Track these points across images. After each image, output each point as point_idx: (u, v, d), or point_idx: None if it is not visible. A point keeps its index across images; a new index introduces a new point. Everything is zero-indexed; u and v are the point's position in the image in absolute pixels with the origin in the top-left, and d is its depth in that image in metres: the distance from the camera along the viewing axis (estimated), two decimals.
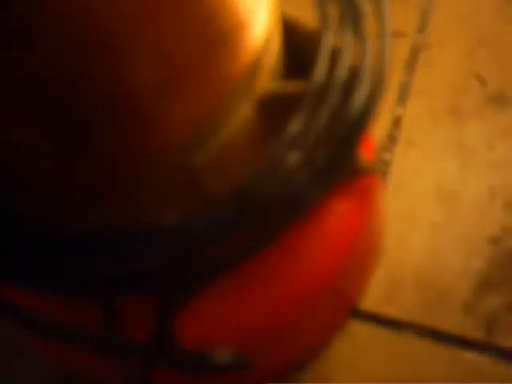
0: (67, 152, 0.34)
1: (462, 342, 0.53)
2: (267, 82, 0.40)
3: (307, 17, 0.47)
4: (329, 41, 0.40)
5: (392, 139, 0.63)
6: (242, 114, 0.39)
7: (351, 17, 0.43)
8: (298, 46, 0.44)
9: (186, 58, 0.34)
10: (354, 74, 0.39)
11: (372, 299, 0.56)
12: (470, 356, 0.52)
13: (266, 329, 0.42)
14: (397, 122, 0.64)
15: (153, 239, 0.35)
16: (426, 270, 0.57)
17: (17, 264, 0.35)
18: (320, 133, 0.36)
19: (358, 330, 0.55)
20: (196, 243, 0.35)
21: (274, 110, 0.40)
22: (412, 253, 0.57)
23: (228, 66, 0.36)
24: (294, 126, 0.37)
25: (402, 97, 0.66)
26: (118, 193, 0.37)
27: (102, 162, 0.35)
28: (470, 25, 0.69)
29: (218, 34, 0.35)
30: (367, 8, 0.44)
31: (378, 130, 0.63)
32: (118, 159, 0.36)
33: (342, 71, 0.39)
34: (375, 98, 0.38)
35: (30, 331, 0.43)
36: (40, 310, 0.38)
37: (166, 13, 0.31)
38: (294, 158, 0.35)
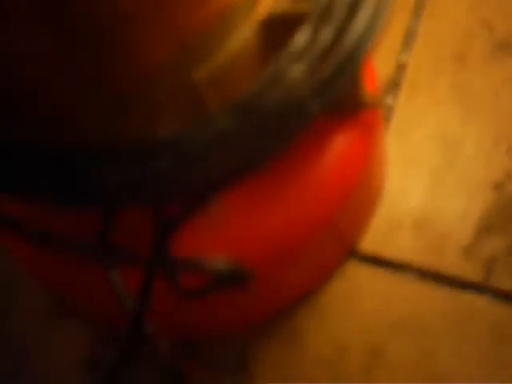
0: (72, 65, 0.34)
1: (461, 284, 0.53)
2: (270, 2, 0.39)
3: None
4: None
5: (395, 84, 0.62)
6: (244, 32, 0.38)
7: None
8: None
9: None
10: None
11: (371, 241, 0.55)
12: (468, 297, 0.52)
13: (264, 253, 0.42)
14: (401, 68, 0.63)
15: (152, 151, 0.34)
16: (425, 214, 0.56)
17: (25, 174, 0.34)
18: (324, 48, 0.36)
19: (356, 271, 0.55)
20: (196, 154, 0.34)
21: (277, 29, 0.39)
22: (412, 196, 0.57)
23: None
24: (298, 39, 0.36)
25: (408, 43, 0.64)
26: (119, 109, 0.36)
27: (103, 78, 0.35)
28: None
29: None
30: None
31: (381, 75, 0.63)
32: (119, 75, 0.35)
33: None
34: (380, 17, 0.37)
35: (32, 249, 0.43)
36: (39, 224, 0.38)
37: None
38: (297, 70, 0.34)
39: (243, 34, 0.39)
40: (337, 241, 0.52)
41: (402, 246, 0.55)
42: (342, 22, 0.37)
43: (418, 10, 0.66)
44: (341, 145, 0.49)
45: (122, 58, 0.34)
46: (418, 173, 0.58)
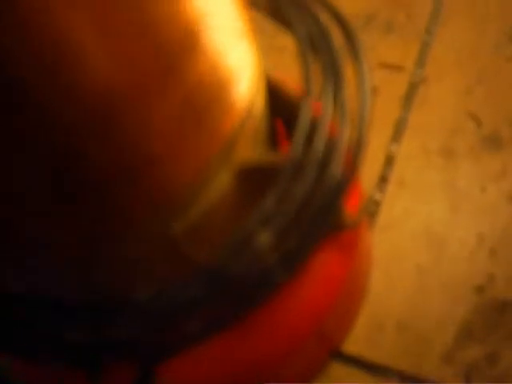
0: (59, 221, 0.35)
1: None
2: (248, 150, 0.41)
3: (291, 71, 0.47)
4: (307, 113, 0.41)
5: (383, 179, 0.63)
6: (221, 182, 0.40)
7: (333, 81, 0.43)
8: (281, 110, 0.45)
9: (166, 136, 0.34)
10: (331, 149, 0.39)
11: (354, 342, 0.57)
12: None
13: (247, 374, 0.43)
14: (390, 161, 0.64)
15: (129, 312, 0.36)
16: (409, 314, 0.57)
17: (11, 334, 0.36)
18: (292, 211, 0.37)
19: (339, 373, 0.56)
20: (168, 317, 0.36)
21: (253, 179, 0.41)
22: (396, 295, 0.58)
23: (207, 139, 0.37)
24: (267, 202, 0.37)
25: (397, 134, 0.66)
26: (99, 262, 0.38)
27: (85, 232, 0.36)
28: (470, 60, 0.68)
29: (198, 109, 0.35)
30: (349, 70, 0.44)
31: (370, 168, 0.64)
32: (100, 230, 0.37)
33: (319, 146, 0.39)
34: (350, 174, 0.39)
35: None
36: (27, 375, 0.40)
37: (148, 96, 0.31)
38: (264, 237, 0.36)
39: (220, 183, 0.40)
40: (320, 348, 0.53)
41: (384, 348, 0.56)
42: (312, 180, 0.39)
43: (407, 101, 0.67)
44: (323, 262, 0.50)
45: (100, 217, 0.36)
46: (402, 272, 0.59)
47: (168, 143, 0.35)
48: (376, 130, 0.67)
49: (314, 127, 0.40)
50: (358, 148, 0.40)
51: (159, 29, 0.30)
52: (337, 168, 0.38)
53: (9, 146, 0.29)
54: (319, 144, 0.39)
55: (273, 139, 0.45)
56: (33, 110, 0.28)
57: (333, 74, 0.43)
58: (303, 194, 0.37)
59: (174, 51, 0.32)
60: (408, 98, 0.67)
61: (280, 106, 0.45)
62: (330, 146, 0.39)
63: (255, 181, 0.41)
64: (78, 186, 0.33)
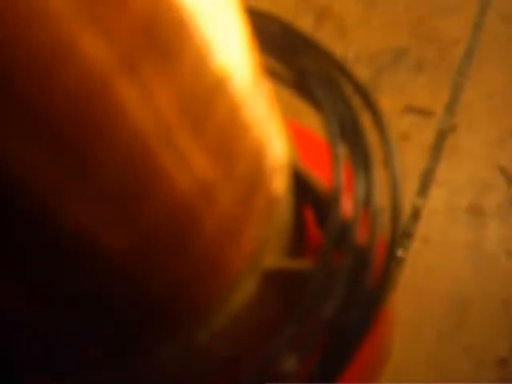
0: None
1: None
2: (273, 256, 0.39)
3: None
4: (338, 216, 0.39)
5: (408, 235, 0.62)
6: (246, 289, 0.38)
7: (364, 175, 0.41)
8: (308, 196, 0.43)
9: (204, 258, 0.33)
10: (362, 258, 0.38)
11: None
12: None
13: None
14: (415, 215, 0.62)
15: None
16: (428, 379, 0.56)
17: None
18: (320, 332, 0.36)
19: None
20: None
21: (279, 285, 0.39)
22: (415, 365, 0.57)
23: (237, 252, 0.36)
24: (292, 325, 0.36)
25: (424, 186, 0.64)
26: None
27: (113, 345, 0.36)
28: (503, 108, 0.66)
29: (232, 228, 0.34)
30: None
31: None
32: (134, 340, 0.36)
33: (349, 256, 0.37)
34: (383, 286, 0.37)
35: None
36: None
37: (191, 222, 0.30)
38: (290, 364, 0.34)
39: (244, 290, 0.39)
40: None
41: None
42: (342, 295, 0.37)
43: (435, 150, 0.65)
44: None
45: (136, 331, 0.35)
46: (424, 336, 0.58)
47: (205, 263, 0.34)
48: (403, 180, 0.65)
49: (344, 229, 0.38)
50: (390, 256, 0.38)
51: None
52: (368, 280, 0.36)
53: None
54: (349, 254, 0.37)
55: (300, 228, 0.44)
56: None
57: (363, 167, 0.41)
58: (332, 311, 0.36)
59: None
60: (437, 147, 0.65)
61: (306, 192, 0.43)
62: (361, 256, 0.37)
63: (281, 285, 0.39)
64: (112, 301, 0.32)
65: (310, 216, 0.45)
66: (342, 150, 0.41)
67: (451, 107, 0.66)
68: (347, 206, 0.40)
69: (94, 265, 0.27)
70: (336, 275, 0.37)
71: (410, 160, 0.64)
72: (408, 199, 0.63)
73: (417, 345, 0.57)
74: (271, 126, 0.36)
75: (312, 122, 0.46)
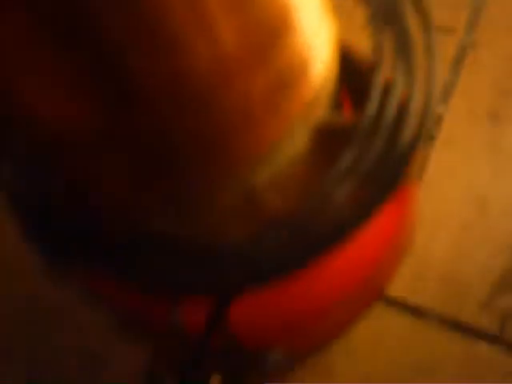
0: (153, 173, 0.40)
1: (476, 334, 0.59)
2: (323, 112, 0.45)
3: (361, 40, 0.50)
4: (381, 77, 0.44)
5: (431, 138, 0.67)
6: (298, 141, 0.44)
7: (403, 50, 0.46)
8: (352, 75, 0.48)
9: (260, 102, 0.38)
10: (402, 112, 0.43)
11: (398, 288, 0.62)
12: (482, 347, 0.59)
13: (301, 318, 0.49)
14: (437, 121, 0.68)
15: (220, 257, 0.41)
16: (450, 265, 0.62)
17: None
18: (367, 169, 0.41)
19: (383, 314, 0.61)
20: (253, 264, 0.41)
21: (328, 139, 0.45)
22: (438, 250, 0.63)
23: (291, 104, 0.41)
24: (344, 161, 0.42)
25: (445, 95, 0.69)
26: (187, 209, 0.43)
27: (176, 183, 0.41)
28: None
29: (288, 79, 0.39)
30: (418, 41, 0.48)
31: None
32: (193, 190, 0.42)
33: (392, 109, 0.43)
34: (420, 136, 0.43)
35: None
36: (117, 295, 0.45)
37: (250, 68, 0.35)
38: (341, 194, 0.40)
39: (297, 142, 0.45)
40: (368, 292, 0.59)
41: (426, 295, 0.62)
42: (385, 140, 0.43)
43: (457, 63, 0.70)
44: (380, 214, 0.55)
45: (198, 175, 0.41)
46: (445, 227, 0.64)
47: (261, 108, 0.39)
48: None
49: (386, 91, 0.44)
50: (426, 113, 0.43)
51: (260, 5, 0.34)
52: (408, 131, 0.42)
53: None
54: (392, 106, 0.43)
55: (338, 105, 0.49)
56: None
57: (403, 41, 0.46)
58: (377, 152, 0.42)
59: (273, 27, 0.36)
60: (458, 61, 0.70)
61: (346, 72, 0.48)
62: (402, 110, 0.43)
63: (330, 141, 0.45)
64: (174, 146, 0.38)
65: (345, 96, 0.50)
66: (385, 36, 0.46)
67: (472, 24, 0.71)
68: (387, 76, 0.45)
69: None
70: (379, 126, 0.43)
71: None
72: None
73: (438, 234, 0.63)
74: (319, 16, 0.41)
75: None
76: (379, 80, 0.44)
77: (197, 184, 0.41)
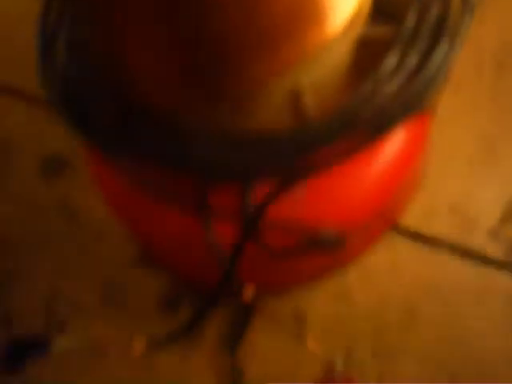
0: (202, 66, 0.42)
1: (485, 260, 0.63)
2: (361, 24, 0.48)
3: None
4: None
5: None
6: (340, 51, 0.47)
7: None
8: None
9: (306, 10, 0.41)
10: (440, 23, 0.46)
11: (411, 219, 0.65)
12: (491, 273, 0.62)
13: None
14: None
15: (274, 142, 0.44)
16: (460, 199, 0.66)
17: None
18: (410, 71, 0.44)
19: (397, 242, 0.65)
20: (303, 150, 0.43)
21: (367, 51, 0.48)
22: (449, 183, 0.66)
23: (332, 16, 0.44)
24: (388, 62, 0.45)
25: None
26: (231, 105, 0.45)
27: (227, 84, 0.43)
28: None
29: None
30: None
31: None
32: (240, 82, 0.44)
33: (430, 20, 0.46)
34: (456, 48, 0.46)
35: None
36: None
37: None
38: (388, 89, 0.43)
39: (339, 50, 0.47)
40: (382, 220, 0.62)
41: (437, 225, 0.65)
42: (426, 47, 0.46)
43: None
44: (398, 139, 0.58)
45: (243, 71, 0.43)
46: (455, 163, 0.67)
47: (309, 13, 0.42)
48: None
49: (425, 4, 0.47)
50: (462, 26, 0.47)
51: None
52: (443, 47, 0.45)
53: None
54: (431, 17, 0.46)
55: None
56: None
57: None
58: (417, 58, 0.45)
59: None
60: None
61: None
62: (440, 21, 0.46)
63: (369, 53, 0.48)
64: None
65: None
66: None
67: None
68: None
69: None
70: (418, 36, 0.46)
71: None
72: None
73: (449, 169, 0.67)
74: None
75: None
76: None
77: (248, 81, 0.44)
